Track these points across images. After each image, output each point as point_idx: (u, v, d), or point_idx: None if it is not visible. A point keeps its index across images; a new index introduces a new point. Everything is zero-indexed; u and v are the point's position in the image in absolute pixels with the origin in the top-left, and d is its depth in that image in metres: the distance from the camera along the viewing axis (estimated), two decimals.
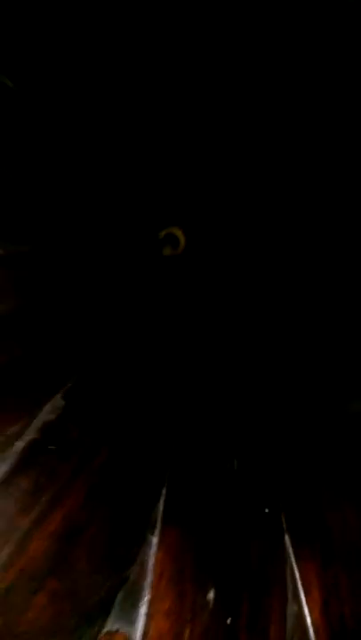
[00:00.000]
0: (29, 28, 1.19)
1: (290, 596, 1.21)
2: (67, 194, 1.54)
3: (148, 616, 0.99)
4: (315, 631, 1.12)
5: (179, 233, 1.85)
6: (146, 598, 1.01)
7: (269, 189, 1.73)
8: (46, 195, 1.37)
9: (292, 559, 1.25)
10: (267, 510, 1.41)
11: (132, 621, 0.97)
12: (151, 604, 1.01)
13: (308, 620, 1.15)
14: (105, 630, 0.92)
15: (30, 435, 1.02)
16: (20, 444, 0.99)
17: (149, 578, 1.05)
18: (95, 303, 1.49)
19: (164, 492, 1.21)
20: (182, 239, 1.84)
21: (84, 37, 1.27)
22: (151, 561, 1.08)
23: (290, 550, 1.28)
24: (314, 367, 1.85)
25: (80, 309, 1.39)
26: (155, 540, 1.12)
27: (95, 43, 1.29)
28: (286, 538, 1.31)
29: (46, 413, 1.06)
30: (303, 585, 1.21)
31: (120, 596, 1.00)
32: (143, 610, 1.00)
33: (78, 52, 1.30)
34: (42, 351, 1.16)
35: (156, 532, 1.13)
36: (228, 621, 1.09)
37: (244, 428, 1.55)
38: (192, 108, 1.53)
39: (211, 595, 1.11)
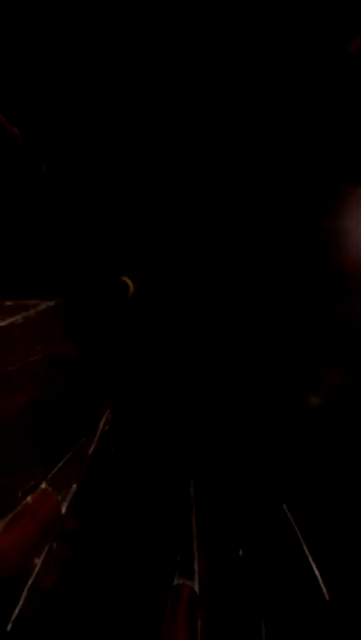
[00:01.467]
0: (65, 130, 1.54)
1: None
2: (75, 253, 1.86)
3: (200, 569, 1.29)
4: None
5: (128, 281, 2.21)
6: (196, 557, 1.32)
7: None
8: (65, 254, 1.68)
9: (291, 519, 1.62)
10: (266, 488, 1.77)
11: (190, 575, 1.27)
12: (200, 562, 1.32)
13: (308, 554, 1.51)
14: (175, 582, 1.21)
15: (95, 442, 1.31)
16: (91, 449, 1.27)
17: (195, 544, 1.35)
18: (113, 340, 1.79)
19: (192, 482, 1.53)
20: (131, 286, 2.20)
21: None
22: (194, 531, 1.38)
23: (288, 513, 1.64)
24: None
25: (108, 346, 1.69)
26: (193, 517, 1.43)
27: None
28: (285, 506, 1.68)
29: (103, 424, 1.35)
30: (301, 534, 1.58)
31: (179, 558, 1.29)
32: (195, 566, 1.30)
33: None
34: (92, 377, 1.45)
35: (193, 511, 1.44)
36: (258, 569, 1.41)
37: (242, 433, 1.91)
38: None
39: (240, 552, 1.44)
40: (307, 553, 1.55)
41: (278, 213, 2.05)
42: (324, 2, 1.50)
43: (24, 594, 0.98)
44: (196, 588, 1.26)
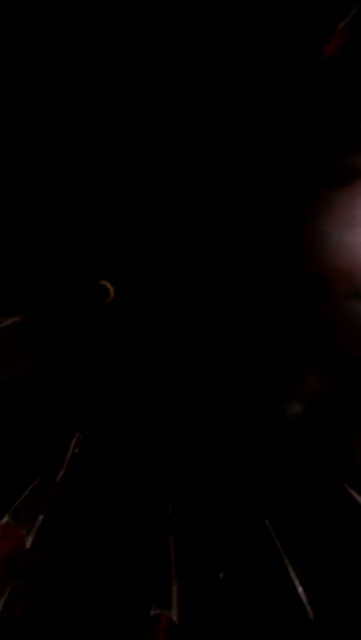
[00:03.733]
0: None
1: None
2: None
3: (179, 597, 1.23)
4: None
5: (108, 285, 2.16)
6: (175, 585, 1.25)
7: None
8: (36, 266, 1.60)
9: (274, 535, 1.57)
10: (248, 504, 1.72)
11: (168, 603, 1.20)
12: (178, 588, 1.26)
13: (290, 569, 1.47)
14: (152, 613, 1.15)
15: (65, 467, 1.23)
16: (60, 474, 1.19)
17: (173, 568, 1.29)
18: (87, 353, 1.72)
19: (170, 504, 1.47)
20: (111, 290, 2.15)
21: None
22: (172, 554, 1.32)
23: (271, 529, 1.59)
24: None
25: (78, 363, 1.62)
26: (171, 539, 1.37)
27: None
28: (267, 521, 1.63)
29: (73, 448, 1.28)
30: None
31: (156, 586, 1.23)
32: (174, 593, 1.24)
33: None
34: (60, 398, 1.37)
35: (172, 532, 1.38)
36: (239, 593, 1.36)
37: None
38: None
39: (221, 575, 1.38)
40: (290, 570, 1.51)
41: (256, 218, 2.03)
42: (299, 6, 1.48)
43: None
44: (175, 618, 1.20)
